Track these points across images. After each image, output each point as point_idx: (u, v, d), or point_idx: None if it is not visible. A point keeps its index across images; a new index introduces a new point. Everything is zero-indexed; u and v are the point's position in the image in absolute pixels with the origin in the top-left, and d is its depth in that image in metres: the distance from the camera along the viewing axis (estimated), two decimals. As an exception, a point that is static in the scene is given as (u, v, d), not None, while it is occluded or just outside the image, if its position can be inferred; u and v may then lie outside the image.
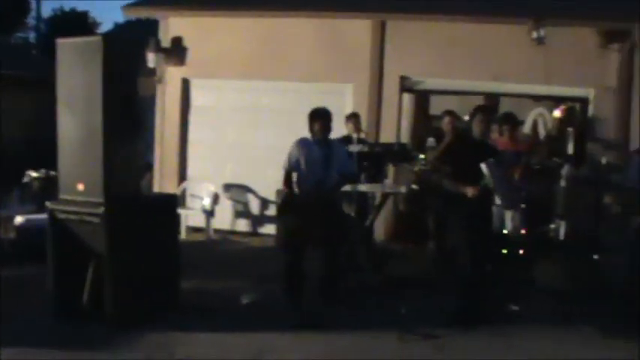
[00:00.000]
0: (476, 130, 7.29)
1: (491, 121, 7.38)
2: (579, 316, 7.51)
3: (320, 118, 7.66)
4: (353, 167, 8.03)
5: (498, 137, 9.57)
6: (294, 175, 7.63)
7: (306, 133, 7.78)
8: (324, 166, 7.53)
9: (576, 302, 8.05)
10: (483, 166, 6.95)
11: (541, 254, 9.46)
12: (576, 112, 12.32)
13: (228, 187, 12.32)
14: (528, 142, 10.25)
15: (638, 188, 7.79)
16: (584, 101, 11.66)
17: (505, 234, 9.02)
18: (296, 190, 7.62)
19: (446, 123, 9.81)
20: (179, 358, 6.11)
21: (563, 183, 10.38)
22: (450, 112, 10.04)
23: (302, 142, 7.65)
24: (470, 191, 7.04)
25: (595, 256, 8.96)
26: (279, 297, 7.66)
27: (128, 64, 7.06)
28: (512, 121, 9.66)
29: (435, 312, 7.29)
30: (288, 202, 7.70)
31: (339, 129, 9.62)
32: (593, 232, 9.29)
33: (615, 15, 10.69)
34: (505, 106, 14.16)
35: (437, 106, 12.28)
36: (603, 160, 9.32)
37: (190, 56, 12.21)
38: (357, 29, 11.63)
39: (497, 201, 6.94)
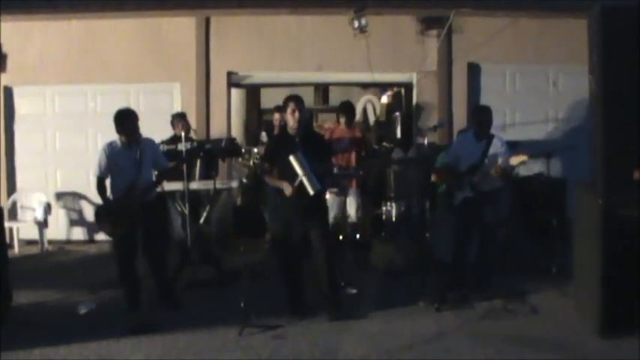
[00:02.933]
0: (290, 120, 7.27)
1: (302, 110, 7.36)
2: (414, 292, 7.84)
3: (122, 119, 7.48)
4: (165, 163, 7.87)
5: (337, 125, 9.84)
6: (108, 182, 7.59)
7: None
8: (135, 168, 7.42)
9: (410, 280, 8.39)
10: (292, 159, 6.91)
11: (375, 237, 9.80)
12: (402, 97, 12.78)
13: (60, 196, 11.98)
14: (363, 129, 10.54)
15: (459, 165, 8.11)
16: (408, 86, 12.10)
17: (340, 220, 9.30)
18: (110, 195, 7.54)
19: (275, 119, 9.94)
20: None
21: (393, 167, 10.70)
22: (278, 109, 10.13)
23: (110, 146, 7.51)
24: (287, 189, 7.05)
25: (426, 234, 9.34)
26: (118, 303, 7.56)
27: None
28: (349, 110, 9.94)
29: (274, 303, 7.39)
30: (101, 209, 7.62)
31: (168, 129, 9.60)
32: (422, 211, 9.66)
33: (432, 2, 11.13)
34: (335, 95, 14.53)
35: (268, 99, 12.42)
36: (426, 142, 9.69)
37: (11, 63, 11.75)
38: (181, 27, 11.57)
39: (311, 191, 6.95)
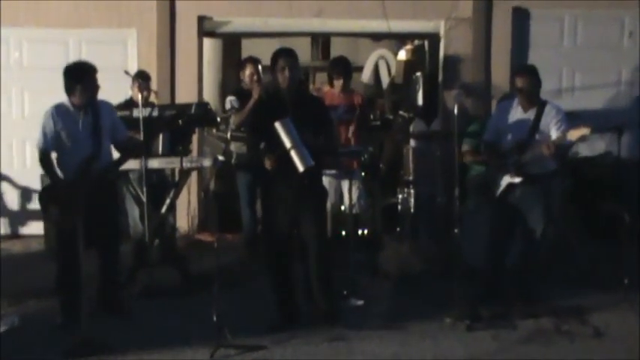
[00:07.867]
0: (280, 80, 7.32)
1: (295, 68, 7.38)
2: (437, 305, 7.79)
3: (77, 76, 7.45)
4: (125, 133, 7.88)
5: (328, 89, 9.74)
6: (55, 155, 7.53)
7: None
8: (94, 138, 7.40)
9: (433, 289, 8.35)
10: (277, 126, 6.94)
11: (388, 233, 9.78)
12: (425, 53, 12.71)
13: (-27, 178, 11.95)
14: (364, 95, 10.47)
15: (502, 142, 8.06)
16: (433, 38, 12.00)
17: (343, 211, 9.27)
18: (60, 173, 7.47)
19: (247, 75, 9.75)
20: None
21: (413, 143, 10.65)
22: (252, 60, 10.01)
23: (58, 111, 7.44)
24: (267, 162, 7.09)
25: (454, 231, 9.30)
26: (49, 317, 7.53)
27: None
28: (345, 68, 9.82)
29: (255, 316, 7.41)
30: (50, 190, 7.58)
31: (120, 89, 9.51)
32: (449, 200, 9.62)
33: None
34: (337, 48, 14.47)
35: (252, 53, 12.30)
36: (455, 110, 9.61)
37: None
38: (137, -42, 11.50)
39: (300, 167, 6.95)
